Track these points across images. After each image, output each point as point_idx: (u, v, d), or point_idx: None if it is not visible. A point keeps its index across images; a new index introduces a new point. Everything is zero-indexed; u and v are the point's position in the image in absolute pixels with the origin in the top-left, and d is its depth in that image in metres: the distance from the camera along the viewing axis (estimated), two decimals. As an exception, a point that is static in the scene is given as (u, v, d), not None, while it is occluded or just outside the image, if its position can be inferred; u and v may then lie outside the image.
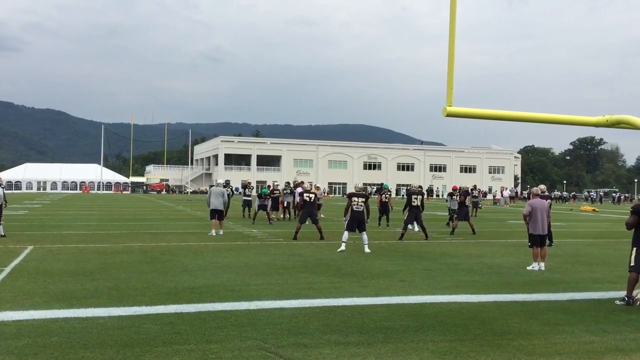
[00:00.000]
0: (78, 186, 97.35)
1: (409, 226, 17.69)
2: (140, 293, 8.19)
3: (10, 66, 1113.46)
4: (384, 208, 22.54)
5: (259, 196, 23.67)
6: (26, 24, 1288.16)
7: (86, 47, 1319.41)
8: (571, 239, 18.71)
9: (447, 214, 23.73)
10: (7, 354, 5.31)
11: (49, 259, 11.65)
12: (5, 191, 16.80)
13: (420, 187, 24.86)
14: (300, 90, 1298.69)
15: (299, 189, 23.07)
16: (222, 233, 17.56)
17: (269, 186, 24.98)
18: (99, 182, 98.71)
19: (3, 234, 15.74)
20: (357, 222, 14.03)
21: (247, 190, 26.14)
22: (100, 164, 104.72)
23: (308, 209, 16.44)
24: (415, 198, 16.97)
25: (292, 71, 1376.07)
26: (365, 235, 14.07)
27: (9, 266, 10.50)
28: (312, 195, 16.82)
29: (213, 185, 18.43)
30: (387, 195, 22.93)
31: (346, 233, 14.05)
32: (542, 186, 16.60)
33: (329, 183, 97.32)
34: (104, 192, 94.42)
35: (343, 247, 13.78)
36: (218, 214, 17.50)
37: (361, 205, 14.17)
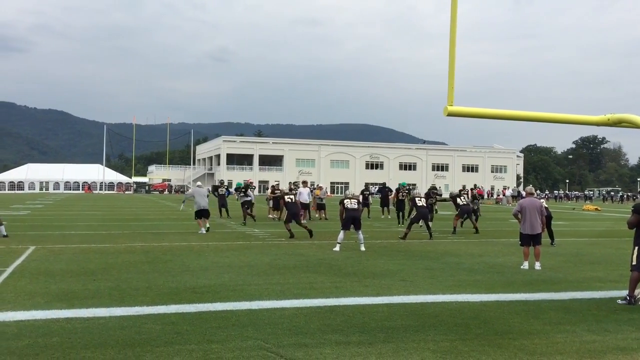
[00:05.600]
0: (80, 186, 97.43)
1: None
2: (141, 293, 8.20)
3: (16, 67, 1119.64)
4: (400, 206, 22.92)
5: (236, 189, 23.86)
6: (32, 25, 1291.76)
7: (90, 47, 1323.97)
8: (573, 238, 18.67)
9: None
10: (8, 354, 5.32)
11: (50, 259, 11.67)
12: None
13: (434, 188, 24.76)
14: (302, 90, 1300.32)
15: (300, 189, 23.25)
16: (208, 226, 18.23)
17: (246, 180, 25.27)
18: (102, 182, 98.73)
19: (5, 234, 15.77)
20: (352, 220, 14.00)
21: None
22: (102, 164, 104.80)
23: (292, 210, 16.50)
24: (419, 199, 16.92)
25: (295, 71, 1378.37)
26: (361, 234, 14.05)
27: (11, 266, 10.53)
28: (293, 197, 17.10)
29: (196, 187, 19.00)
30: (403, 194, 23.17)
31: (342, 233, 13.99)
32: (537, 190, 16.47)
33: (331, 183, 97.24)
34: (107, 192, 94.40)
35: (337, 247, 13.68)
36: (204, 213, 18.03)
37: (355, 203, 14.16)
